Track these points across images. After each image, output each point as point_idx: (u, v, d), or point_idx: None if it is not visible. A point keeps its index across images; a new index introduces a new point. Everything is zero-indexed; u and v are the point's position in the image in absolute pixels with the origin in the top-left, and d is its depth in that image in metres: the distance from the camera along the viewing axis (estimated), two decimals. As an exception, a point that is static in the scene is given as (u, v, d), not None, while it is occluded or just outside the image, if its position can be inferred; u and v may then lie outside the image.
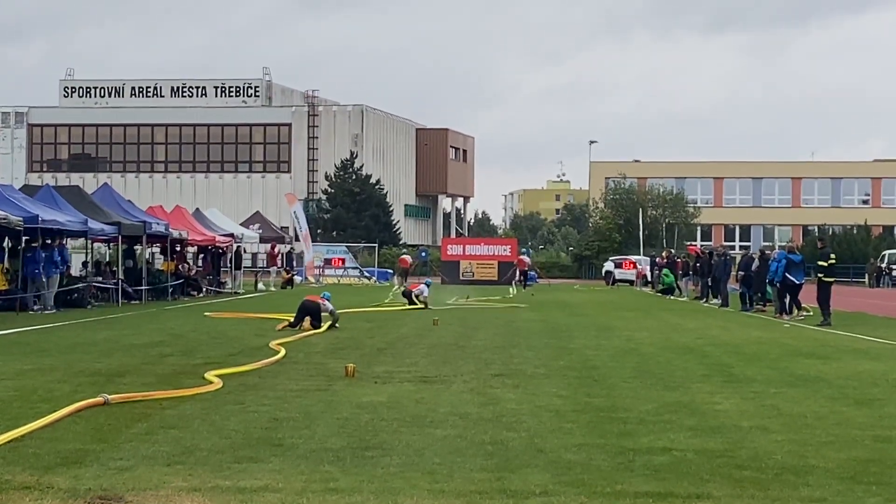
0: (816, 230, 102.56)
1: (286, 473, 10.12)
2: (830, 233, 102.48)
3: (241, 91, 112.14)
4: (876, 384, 17.57)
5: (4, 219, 34.36)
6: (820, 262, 34.41)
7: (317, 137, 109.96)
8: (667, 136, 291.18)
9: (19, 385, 16.39)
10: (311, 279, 70.64)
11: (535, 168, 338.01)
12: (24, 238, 37.22)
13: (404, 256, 72.32)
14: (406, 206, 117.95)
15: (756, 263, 41.08)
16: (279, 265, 67.57)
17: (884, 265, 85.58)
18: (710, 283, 48.91)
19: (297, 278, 67.32)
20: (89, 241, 44.92)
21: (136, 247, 48.09)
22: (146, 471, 10.19)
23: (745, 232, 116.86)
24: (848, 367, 20.34)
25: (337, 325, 29.34)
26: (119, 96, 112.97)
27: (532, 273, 70.01)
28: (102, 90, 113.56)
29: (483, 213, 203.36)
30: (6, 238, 38.98)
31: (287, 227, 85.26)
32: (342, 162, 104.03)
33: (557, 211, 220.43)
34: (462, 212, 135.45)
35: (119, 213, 43.76)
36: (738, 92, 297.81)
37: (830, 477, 10.24)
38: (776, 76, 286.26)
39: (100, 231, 41.46)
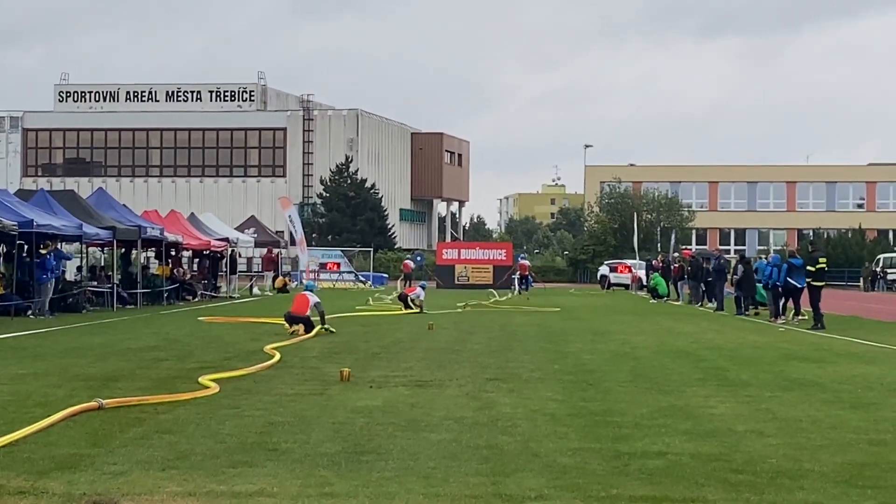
0: (811, 234, 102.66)
1: (281, 478, 10.11)
2: (825, 237, 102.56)
3: (237, 95, 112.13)
4: (871, 388, 17.57)
5: (-1, 223, 34.34)
6: (809, 267, 34.53)
7: (312, 142, 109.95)
8: (662, 141, 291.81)
9: (14, 390, 16.38)
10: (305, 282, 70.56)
11: (530, 172, 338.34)
12: (18, 242, 37.19)
13: (407, 262, 72.38)
14: (401, 210, 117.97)
15: (741, 269, 41.22)
16: (275, 270, 67.57)
17: (878, 269, 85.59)
18: (704, 288, 49.00)
19: (294, 283, 67.25)
20: (84, 246, 44.87)
21: (132, 251, 48.05)
22: (141, 475, 10.19)
23: (741, 236, 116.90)
24: (843, 370, 20.34)
25: (328, 327, 29.16)
26: (114, 101, 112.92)
27: (529, 277, 69.87)
28: (97, 94, 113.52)
29: (478, 217, 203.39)
30: (1, 243, 38.97)
31: (282, 232, 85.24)
32: (337, 166, 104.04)
33: (553, 215, 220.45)
34: (457, 216, 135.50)
35: (114, 218, 43.75)
36: (733, 96, 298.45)
37: (826, 481, 10.25)
38: (770, 80, 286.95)
39: (95, 236, 41.43)
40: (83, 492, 9.52)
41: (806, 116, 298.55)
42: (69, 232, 38.92)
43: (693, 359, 22.57)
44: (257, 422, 13.46)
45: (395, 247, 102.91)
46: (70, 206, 41.60)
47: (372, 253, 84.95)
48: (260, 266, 75.67)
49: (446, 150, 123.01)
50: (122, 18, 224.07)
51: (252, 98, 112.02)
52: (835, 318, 37.52)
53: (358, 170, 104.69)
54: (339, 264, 78.34)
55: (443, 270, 77.81)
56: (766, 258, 43.09)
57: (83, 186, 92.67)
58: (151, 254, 52.30)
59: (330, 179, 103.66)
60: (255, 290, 62.69)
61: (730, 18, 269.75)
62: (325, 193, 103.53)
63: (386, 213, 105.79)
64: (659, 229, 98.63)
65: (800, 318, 35.47)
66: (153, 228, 46.03)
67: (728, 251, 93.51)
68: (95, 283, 43.98)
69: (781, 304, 36.83)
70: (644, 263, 72.45)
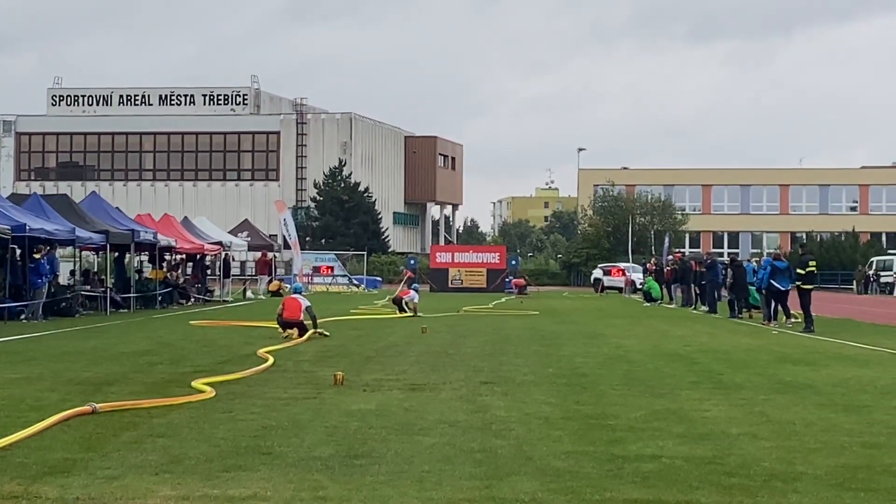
0: (804, 237, 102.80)
1: (275, 482, 10.10)
2: (819, 240, 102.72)
3: (230, 99, 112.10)
4: (864, 391, 17.59)
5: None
6: (798, 270, 34.60)
7: (305, 145, 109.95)
8: (655, 144, 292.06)
9: (7, 394, 16.36)
10: (296, 283, 70.51)
11: (523, 176, 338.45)
12: (11, 247, 37.17)
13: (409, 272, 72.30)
14: (395, 213, 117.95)
15: (730, 272, 41.31)
16: (269, 273, 67.59)
17: (871, 272, 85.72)
18: (697, 291, 49.07)
19: (287, 286, 67.22)
20: (77, 250, 44.84)
21: (125, 255, 48.04)
22: (134, 480, 10.17)
23: (734, 239, 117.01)
24: (836, 373, 20.36)
25: (321, 331, 29.11)
26: (107, 105, 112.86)
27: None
28: (90, 98, 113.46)
29: (472, 220, 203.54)
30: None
31: (276, 236, 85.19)
32: (331, 170, 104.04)
33: (546, 218, 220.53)
34: (451, 219, 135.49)
35: (107, 222, 43.75)
36: (724, 100, 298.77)
37: (819, 484, 10.25)
38: (761, 84, 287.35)
39: (88, 239, 41.42)
40: (77, 496, 9.50)
41: (798, 120, 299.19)
42: (62, 236, 38.89)
43: (686, 362, 22.58)
44: (251, 426, 13.45)
45: (389, 250, 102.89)
46: (63, 210, 41.58)
47: (365, 256, 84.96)
48: (254, 270, 75.67)
49: (440, 154, 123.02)
50: (115, 23, 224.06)
51: (245, 102, 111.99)
52: (828, 321, 37.56)
53: (351, 173, 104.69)
54: (332, 268, 78.32)
55: (436, 274, 77.85)
56: (755, 261, 43.11)
57: (76, 190, 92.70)
58: (145, 258, 52.28)
59: (323, 183, 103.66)
60: (249, 294, 62.71)
61: (719, 23, 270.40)
62: (318, 197, 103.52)
63: (379, 216, 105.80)
64: (652, 233, 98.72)
65: (792, 320, 35.50)
66: (146, 232, 46.04)
67: (721, 254, 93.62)
68: (89, 287, 43.96)
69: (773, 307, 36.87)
70: (640, 267, 72.67)
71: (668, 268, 56.83)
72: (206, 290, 56.15)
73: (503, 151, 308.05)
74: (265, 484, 10.02)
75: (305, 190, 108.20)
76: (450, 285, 75.93)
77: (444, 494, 9.66)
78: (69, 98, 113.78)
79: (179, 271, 54.33)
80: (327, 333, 29.14)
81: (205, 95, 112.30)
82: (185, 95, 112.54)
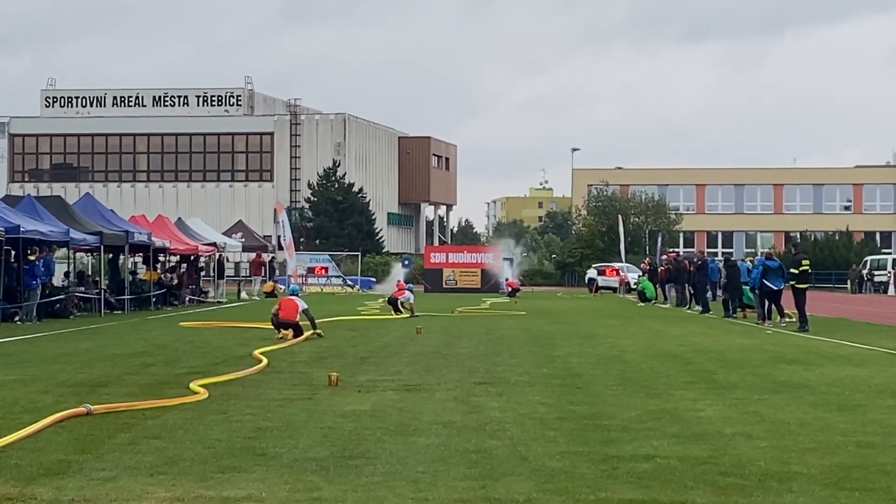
0: (798, 237, 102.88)
1: (270, 483, 10.11)
2: (813, 239, 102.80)
3: (223, 100, 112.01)
4: (859, 390, 17.60)
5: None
6: (791, 270, 34.64)
7: (299, 146, 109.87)
8: (649, 144, 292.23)
9: (1, 396, 16.35)
10: (293, 286, 70.46)
11: (517, 176, 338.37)
12: (5, 248, 37.14)
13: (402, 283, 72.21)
14: (389, 214, 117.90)
15: (723, 272, 41.35)
16: (263, 274, 67.57)
17: (865, 271, 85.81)
18: (691, 291, 49.09)
19: (281, 287, 67.18)
20: (71, 251, 44.80)
21: (119, 256, 48.01)
22: (129, 481, 10.17)
23: (728, 239, 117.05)
24: (831, 373, 20.37)
25: (320, 332, 29.16)
26: (101, 106, 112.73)
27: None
28: (84, 100, 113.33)
29: (466, 220, 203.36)
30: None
31: (270, 236, 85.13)
32: (325, 170, 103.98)
33: (540, 218, 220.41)
34: (445, 220, 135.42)
35: (101, 223, 43.72)
36: (718, 100, 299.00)
37: (814, 483, 10.26)
38: (755, 85, 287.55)
39: (82, 241, 41.40)
40: (71, 498, 9.51)
41: (791, 120, 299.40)
42: (56, 237, 38.86)
43: (681, 362, 22.60)
44: (246, 427, 13.45)
45: (383, 251, 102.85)
46: (57, 211, 41.54)
47: (360, 257, 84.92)
48: (248, 271, 75.63)
49: (434, 154, 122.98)
50: (108, 25, 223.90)
51: (239, 103, 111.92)
52: (822, 321, 37.60)
53: (345, 174, 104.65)
54: (326, 269, 78.26)
55: (431, 274, 77.83)
56: (749, 261, 43.14)
57: (70, 192, 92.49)
58: (139, 259, 52.26)
59: (317, 184, 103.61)
60: (244, 295, 62.72)
61: (713, 24, 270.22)
62: (312, 198, 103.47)
63: (373, 217, 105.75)
64: (647, 232, 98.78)
65: (786, 320, 35.53)
66: (140, 233, 46.01)
67: (716, 254, 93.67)
68: (83, 288, 43.95)
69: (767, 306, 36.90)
70: (636, 267, 72.75)
71: (662, 268, 56.85)
72: (201, 292, 56.11)
73: (497, 152, 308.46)
74: (260, 485, 10.02)
75: (299, 191, 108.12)
76: (444, 286, 75.91)
77: (438, 495, 9.67)
78: (63, 99, 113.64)
79: (174, 273, 54.30)
80: (322, 334, 29.14)
81: (198, 96, 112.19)
82: (179, 96, 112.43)
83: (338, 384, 17.61)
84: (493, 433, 13.03)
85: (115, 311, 42.72)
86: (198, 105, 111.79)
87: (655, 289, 57.08)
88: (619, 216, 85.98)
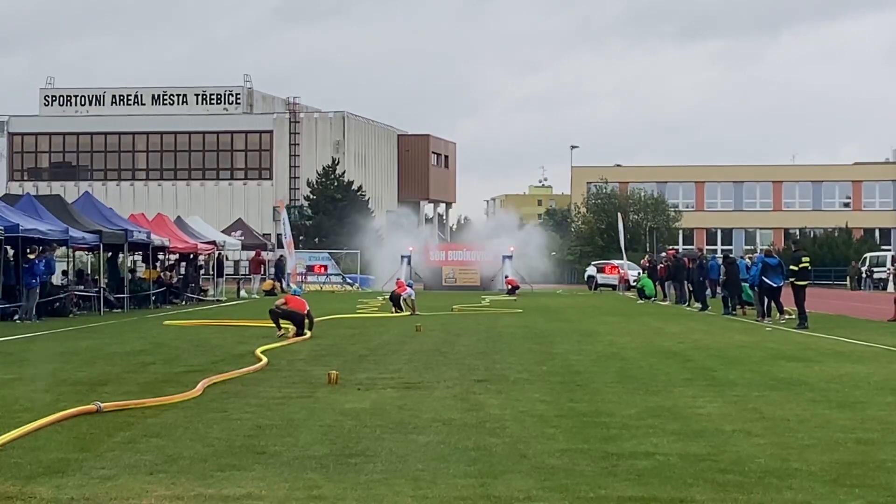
0: (798, 234, 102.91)
1: (269, 481, 10.11)
2: (812, 236, 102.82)
3: (223, 98, 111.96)
4: (858, 387, 17.60)
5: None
6: (791, 266, 34.64)
7: (298, 144, 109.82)
8: (647, 142, 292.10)
9: (0, 395, 16.35)
10: (294, 286, 70.48)
11: (516, 174, 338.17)
12: (7, 247, 37.17)
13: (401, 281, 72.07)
14: (388, 212, 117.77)
15: (722, 269, 41.36)
16: (263, 272, 67.57)
17: (865, 268, 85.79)
18: (690, 288, 49.11)
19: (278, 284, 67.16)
20: (71, 250, 44.82)
21: (119, 255, 48.02)
22: (129, 480, 10.18)
23: (727, 236, 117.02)
24: (830, 369, 20.38)
25: (310, 333, 28.93)
26: (100, 105, 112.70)
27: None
28: (83, 99, 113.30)
29: (465, 218, 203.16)
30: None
31: (269, 235, 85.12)
32: (324, 168, 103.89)
33: (540, 216, 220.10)
34: (444, 217, 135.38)
35: (100, 222, 43.73)
36: (716, 98, 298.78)
37: (813, 480, 10.26)
38: (752, 82, 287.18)
39: (81, 240, 41.39)
40: (71, 496, 9.51)
41: (789, 117, 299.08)
42: (55, 236, 38.86)
43: (680, 359, 22.60)
44: (245, 425, 13.45)
45: (383, 246, 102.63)
46: (56, 210, 41.56)
47: (359, 255, 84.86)
48: (247, 269, 75.63)
49: (433, 152, 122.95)
50: (107, 23, 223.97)
51: (238, 101, 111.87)
52: (822, 318, 37.60)
53: (345, 172, 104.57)
54: (326, 267, 78.23)
55: (430, 272, 77.73)
56: (749, 258, 43.13)
57: (69, 190, 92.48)
58: (138, 257, 52.25)
59: (317, 182, 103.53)
60: (243, 293, 62.72)
61: (708, 22, 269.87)
62: (311, 196, 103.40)
63: (373, 215, 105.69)
64: (647, 229, 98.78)
65: (786, 317, 35.52)
66: (140, 232, 46.02)
67: (715, 251, 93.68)
68: (82, 287, 43.95)
69: (766, 303, 36.90)
70: (635, 264, 72.73)
71: (662, 265, 56.85)
72: (200, 290, 56.10)
73: (496, 149, 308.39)
74: (260, 483, 10.03)
75: (299, 189, 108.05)
76: (443, 283, 75.83)
77: (438, 492, 9.67)
78: (62, 98, 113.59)
79: (173, 271, 54.30)
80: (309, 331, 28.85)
81: (197, 95, 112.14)
82: (178, 95, 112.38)
83: (337, 382, 17.61)
84: (493, 431, 13.04)
85: (115, 310, 42.72)
86: (197, 103, 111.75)
87: (655, 286, 57.09)
88: (619, 213, 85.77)
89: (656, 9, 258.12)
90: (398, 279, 49.58)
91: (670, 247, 78.00)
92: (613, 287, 76.22)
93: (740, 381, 18.27)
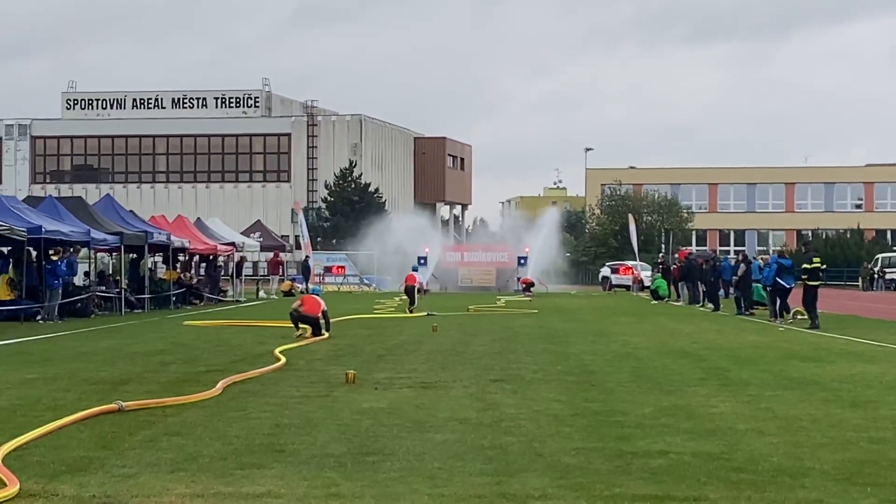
0: (810, 235, 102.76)
1: (288, 479, 10.11)
2: (824, 237, 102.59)
3: (241, 102, 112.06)
4: (870, 386, 17.56)
5: (8, 229, 34.42)
6: (804, 266, 34.56)
7: (316, 147, 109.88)
8: (660, 144, 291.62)
9: (24, 394, 16.40)
10: (311, 286, 70.50)
11: (531, 176, 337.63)
12: (27, 248, 37.27)
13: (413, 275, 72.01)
14: (404, 214, 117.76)
15: (742, 268, 41.24)
16: (281, 273, 67.63)
17: (877, 269, 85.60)
18: (703, 288, 49.03)
19: (299, 286, 67.20)
20: (92, 251, 44.92)
21: (139, 256, 48.09)
22: (150, 478, 10.19)
23: (740, 237, 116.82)
24: (842, 369, 20.32)
25: (328, 334, 28.81)
26: (121, 108, 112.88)
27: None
28: (104, 102, 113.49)
29: (481, 220, 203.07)
30: (8, 249, 39.07)
31: (287, 236, 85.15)
32: (341, 171, 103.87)
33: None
34: (460, 219, 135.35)
35: (121, 224, 43.84)
36: (728, 100, 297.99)
37: (826, 478, 10.23)
38: (764, 84, 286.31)
39: (102, 241, 41.52)
40: (93, 494, 9.53)
41: (801, 119, 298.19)
42: (77, 238, 38.97)
43: (694, 359, 22.56)
44: (264, 424, 13.46)
45: (399, 249, 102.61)
46: (78, 212, 41.69)
47: (376, 256, 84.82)
48: (266, 270, 75.70)
49: (449, 155, 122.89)
50: (127, 28, 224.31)
51: (257, 104, 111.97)
52: (834, 318, 37.51)
53: (362, 174, 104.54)
54: (343, 268, 78.30)
55: (446, 273, 77.72)
56: (761, 259, 43.05)
57: (91, 193, 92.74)
58: (159, 259, 52.33)
59: (334, 184, 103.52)
60: (262, 294, 62.79)
61: (719, 25, 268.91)
62: (329, 198, 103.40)
63: (390, 216, 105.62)
64: (662, 231, 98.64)
65: (797, 317, 35.43)
66: (160, 234, 46.15)
67: (728, 252, 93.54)
68: (103, 287, 44.05)
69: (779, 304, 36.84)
70: (649, 265, 72.65)
71: (675, 266, 56.78)
72: (219, 291, 56.19)
73: (511, 151, 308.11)
74: (278, 481, 10.03)
75: (316, 191, 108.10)
76: (459, 284, 75.84)
77: (454, 490, 9.67)
78: (83, 102, 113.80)
79: (192, 272, 54.38)
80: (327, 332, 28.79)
81: (217, 98, 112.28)
82: (198, 98, 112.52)
83: (355, 382, 17.61)
84: (509, 429, 13.03)
85: (136, 310, 42.83)
86: (216, 107, 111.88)
87: (668, 287, 56.99)
88: (630, 215, 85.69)
89: (666, 12, 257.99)
90: (409, 274, 48.76)
91: (683, 248, 77.82)
92: (627, 288, 76.12)
93: (753, 381, 18.22)
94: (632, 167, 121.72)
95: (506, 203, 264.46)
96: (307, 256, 70.45)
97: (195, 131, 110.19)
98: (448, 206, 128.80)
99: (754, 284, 40.64)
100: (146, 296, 44.48)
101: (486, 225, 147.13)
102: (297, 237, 77.16)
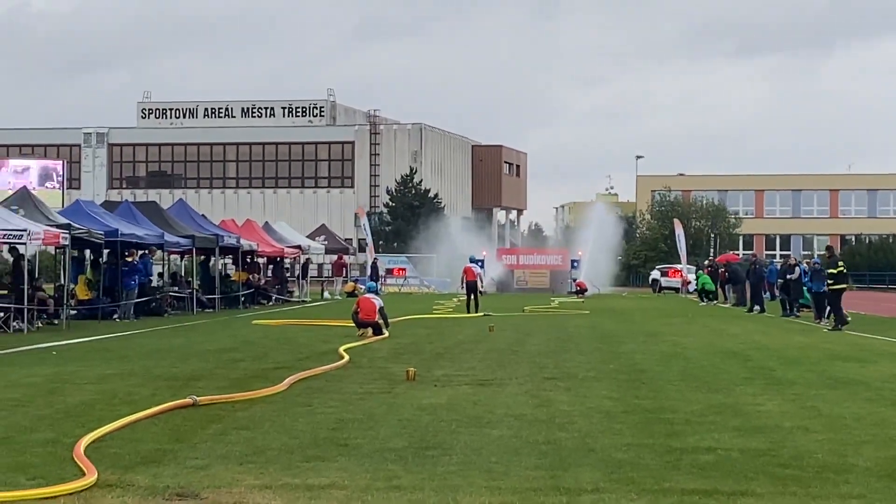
0: (854, 240, 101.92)
1: (351, 472, 10.14)
2: (867, 242, 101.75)
3: (307, 111, 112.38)
4: (912, 386, 17.39)
5: (86, 233, 34.74)
6: (829, 270, 34.39)
7: (378, 154, 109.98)
8: (708, 152, 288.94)
9: (101, 389, 16.54)
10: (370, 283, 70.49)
11: (584, 182, 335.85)
12: (104, 251, 37.59)
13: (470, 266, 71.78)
14: (463, 218, 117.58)
15: (797, 271, 40.88)
16: (345, 275, 67.80)
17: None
18: (749, 291, 48.73)
19: (361, 287, 67.24)
20: (166, 254, 45.26)
21: (210, 258, 48.37)
22: (221, 469, 10.25)
23: (785, 241, 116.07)
24: (885, 369, 20.14)
25: (386, 333, 28.69)
26: (193, 117, 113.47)
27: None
28: (177, 111, 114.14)
29: (536, 224, 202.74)
30: (88, 251, 39.42)
31: (350, 239, 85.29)
32: (402, 177, 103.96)
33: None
34: (515, 223, 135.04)
35: (193, 227, 44.12)
36: (772, 110, 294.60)
37: (869, 475, 10.15)
38: (808, 95, 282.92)
39: (175, 244, 41.81)
40: (167, 484, 9.59)
41: (845, 128, 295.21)
42: (152, 240, 39.28)
43: (741, 359, 22.43)
44: (329, 419, 13.50)
45: (457, 252, 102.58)
46: (152, 216, 42.01)
47: (435, 259, 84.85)
48: (330, 271, 75.88)
49: (505, 162, 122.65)
50: (200, 42, 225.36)
51: (322, 113, 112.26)
52: (876, 320, 37.23)
53: (422, 180, 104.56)
54: (404, 269, 78.41)
55: (502, 275, 77.70)
56: (806, 262, 42.68)
57: (164, 198, 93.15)
58: (228, 260, 52.60)
59: (395, 190, 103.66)
60: (326, 295, 62.96)
61: (763, 39, 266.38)
62: (391, 203, 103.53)
63: (448, 221, 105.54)
64: (710, 235, 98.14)
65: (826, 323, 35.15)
66: (230, 237, 46.41)
67: (773, 256, 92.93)
68: (176, 288, 44.32)
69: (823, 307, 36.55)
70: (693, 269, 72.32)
71: (722, 269, 56.47)
72: (287, 291, 56.40)
73: (565, 159, 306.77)
74: (342, 474, 10.06)
75: (378, 196, 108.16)
76: (515, 286, 75.79)
77: (511, 484, 9.66)
78: (158, 111, 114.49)
79: (260, 273, 54.62)
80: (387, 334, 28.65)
81: (284, 108, 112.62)
82: (266, 108, 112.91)
83: (415, 379, 17.62)
84: (562, 425, 13.00)
85: (206, 310, 43.06)
86: (283, 116, 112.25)
87: (716, 288, 56.63)
88: (677, 220, 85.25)
89: (713, 26, 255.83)
90: (466, 266, 47.34)
91: (732, 252, 77.36)
92: (676, 290, 75.79)
93: (798, 381, 18.10)
94: (681, 174, 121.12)
95: (559, 208, 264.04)
96: (375, 258, 70.60)
97: (263, 139, 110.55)
98: (504, 211, 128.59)
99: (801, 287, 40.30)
100: (216, 296, 44.70)
101: (541, 229, 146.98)
102: (360, 240, 77.34)
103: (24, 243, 31.31)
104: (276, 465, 10.44)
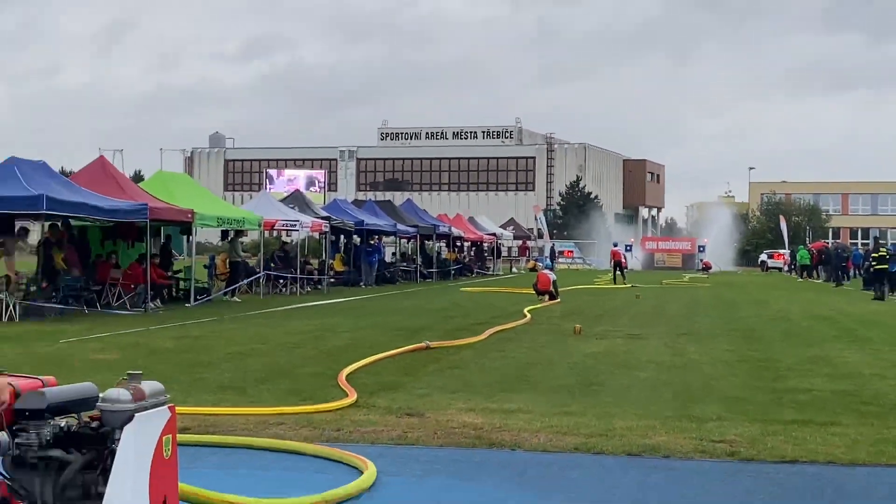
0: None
1: (535, 401, 10.17)
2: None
3: (501, 134, 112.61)
4: (967, 345, 16.63)
5: (341, 223, 35.49)
6: (872, 254, 33.42)
7: (553, 166, 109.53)
8: (805, 164, 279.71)
9: (353, 336, 16.91)
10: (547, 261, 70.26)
11: (708, 186, 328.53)
12: (353, 236, 38.27)
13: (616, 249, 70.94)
14: (615, 214, 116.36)
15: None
16: (527, 255, 67.75)
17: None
18: (839, 272, 47.14)
19: (540, 264, 66.92)
20: (397, 238, 45.85)
21: (427, 242, 48.89)
22: (439, 397, 10.39)
23: (866, 234, 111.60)
24: (945, 332, 19.29)
25: (558, 299, 28.53)
26: (417, 138, 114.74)
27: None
28: (406, 134, 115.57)
29: (671, 218, 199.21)
30: (342, 236, 40.24)
31: (531, 229, 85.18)
32: (570, 184, 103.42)
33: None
34: (656, 218, 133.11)
35: (417, 220, 44.73)
36: (858, 132, 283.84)
37: (933, 413, 9.76)
38: (883, 120, 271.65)
39: (404, 232, 42.43)
40: (399, 406, 9.76)
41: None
42: (388, 229, 39.96)
43: (830, 322, 21.76)
44: (517, 362, 13.56)
45: (612, 241, 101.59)
46: (388, 211, 42.76)
47: (596, 244, 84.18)
48: (517, 252, 75.96)
49: (648, 172, 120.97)
50: (425, 84, 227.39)
51: (511, 136, 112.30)
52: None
53: (585, 185, 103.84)
54: (572, 252, 78.23)
55: (646, 256, 77.16)
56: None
57: (397, 198, 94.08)
58: (443, 244, 53.07)
59: (565, 193, 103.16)
60: (514, 270, 62.99)
61: (852, 78, 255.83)
62: (562, 202, 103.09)
63: (605, 216, 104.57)
64: (807, 228, 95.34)
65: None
66: (444, 227, 46.89)
67: (856, 244, 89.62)
68: (405, 264, 44.91)
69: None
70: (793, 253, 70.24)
71: (815, 253, 54.75)
72: (485, 267, 56.67)
73: (693, 169, 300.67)
74: (528, 402, 10.10)
75: (552, 197, 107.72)
76: (655, 265, 74.88)
77: (653, 412, 9.58)
78: (392, 134, 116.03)
79: (466, 253, 54.97)
80: (559, 301, 28.52)
81: (483, 132, 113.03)
82: (470, 132, 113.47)
83: (581, 333, 17.57)
84: (692, 370, 12.82)
85: (426, 280, 43.50)
86: (483, 138, 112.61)
87: (811, 269, 54.83)
88: (781, 216, 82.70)
89: (809, 69, 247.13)
90: (613, 249, 46.31)
91: (822, 241, 74.80)
92: (780, 269, 73.75)
93: (876, 339, 17.48)
94: (784, 181, 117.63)
95: (689, 206, 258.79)
96: (553, 244, 70.48)
97: (469, 155, 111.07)
98: (647, 209, 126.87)
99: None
100: (434, 270, 45.15)
101: (675, 222, 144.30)
102: (538, 230, 77.23)
103: (297, 230, 32.19)
104: (479, 395, 10.53)
